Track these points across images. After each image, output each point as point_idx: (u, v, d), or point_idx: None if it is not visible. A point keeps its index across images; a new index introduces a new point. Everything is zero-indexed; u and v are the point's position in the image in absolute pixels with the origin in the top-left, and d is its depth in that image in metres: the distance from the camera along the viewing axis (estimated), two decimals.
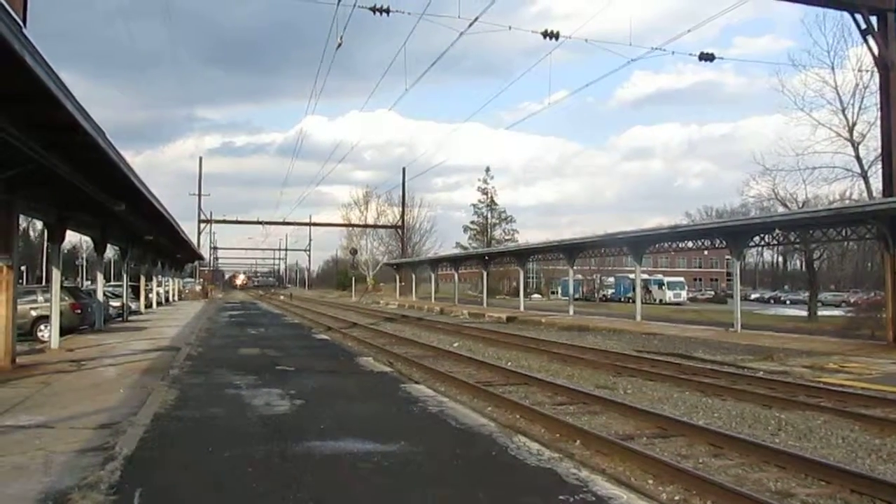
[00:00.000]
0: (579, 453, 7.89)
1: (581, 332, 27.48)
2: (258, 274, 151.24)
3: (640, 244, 32.18)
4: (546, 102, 73.67)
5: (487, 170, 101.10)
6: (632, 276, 44.08)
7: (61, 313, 17.46)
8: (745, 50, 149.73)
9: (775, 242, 28.04)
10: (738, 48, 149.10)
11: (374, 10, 17.39)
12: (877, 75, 22.67)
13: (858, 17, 21.39)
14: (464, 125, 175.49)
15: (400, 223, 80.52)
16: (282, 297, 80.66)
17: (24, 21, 12.20)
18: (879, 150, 24.34)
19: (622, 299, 66.63)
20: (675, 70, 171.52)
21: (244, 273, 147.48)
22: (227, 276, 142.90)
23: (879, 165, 25.69)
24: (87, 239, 37.21)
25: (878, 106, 22.72)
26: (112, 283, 42.35)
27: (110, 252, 53.89)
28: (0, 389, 10.68)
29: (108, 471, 5.98)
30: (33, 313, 19.91)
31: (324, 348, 19.05)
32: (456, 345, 21.54)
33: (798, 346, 19.47)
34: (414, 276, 69.22)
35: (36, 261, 74.80)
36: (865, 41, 21.81)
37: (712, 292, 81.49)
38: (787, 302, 64.43)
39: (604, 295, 71.99)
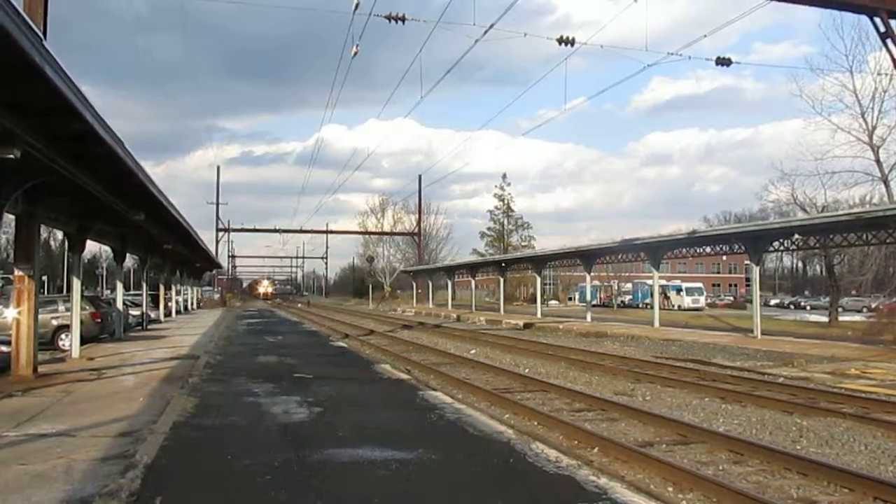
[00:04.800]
0: (598, 460, 7.84)
1: (598, 338, 27.35)
2: (275, 282, 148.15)
3: (657, 250, 32.00)
4: (563, 109, 73.53)
5: (504, 176, 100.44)
6: (649, 281, 43.76)
7: (82, 322, 17.60)
8: (764, 56, 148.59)
9: (795, 247, 27.73)
10: (757, 54, 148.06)
11: (389, 18, 17.45)
12: None
13: (877, 20, 21.17)
14: (481, 132, 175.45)
15: (416, 230, 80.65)
16: (299, 305, 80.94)
17: (45, 33, 12.37)
18: None
19: (640, 305, 66.23)
20: (694, 76, 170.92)
21: (268, 279, 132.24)
22: (245, 285, 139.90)
23: None
24: (107, 248, 37.63)
25: None
26: (131, 292, 42.74)
27: (130, 261, 54.46)
28: (22, 398, 10.80)
29: (128, 479, 6.03)
30: (54, 322, 20.09)
31: (341, 356, 19.10)
32: (473, 352, 21.50)
33: (819, 351, 19.26)
34: (430, 284, 69.19)
35: (57, 270, 75.60)
36: (885, 44, 21.52)
37: (731, 298, 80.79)
38: (808, 307, 63.72)
39: (621, 301, 71.58)
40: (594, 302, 52.10)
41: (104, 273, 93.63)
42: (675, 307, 62.69)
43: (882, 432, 9.39)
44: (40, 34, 7.00)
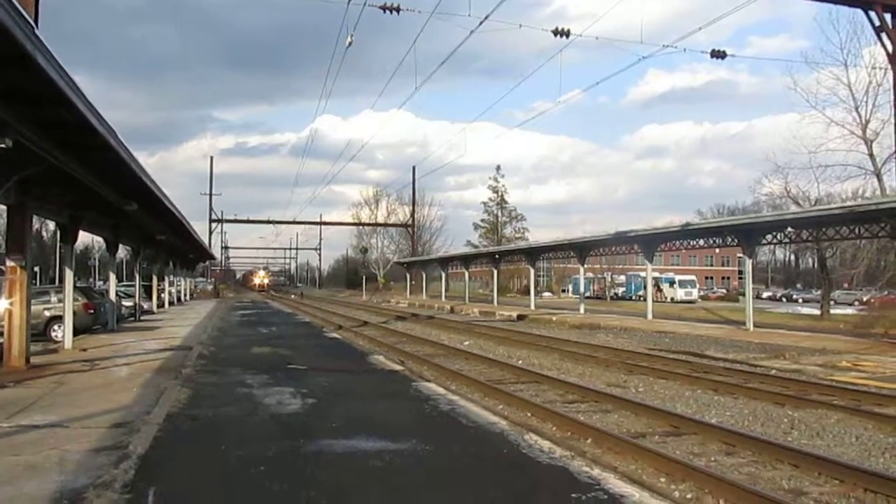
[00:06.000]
0: (591, 451, 7.87)
1: (592, 330, 27.43)
2: (272, 272, 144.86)
3: (651, 242, 32.07)
4: (558, 101, 73.18)
5: (498, 168, 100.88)
6: (643, 274, 43.95)
7: (74, 313, 17.53)
8: (760, 50, 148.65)
9: (787, 240, 27.83)
10: (753, 47, 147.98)
11: (384, 8, 17.41)
12: (890, 73, 22.48)
13: (872, 14, 21.23)
14: (476, 124, 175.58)
15: (410, 222, 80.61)
16: (292, 297, 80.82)
17: (36, 22, 12.27)
18: (893, 148, 24.20)
19: (633, 297, 66.40)
20: (690, 69, 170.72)
21: (264, 269, 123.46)
22: (239, 275, 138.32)
23: (893, 163, 25.58)
24: (100, 239, 37.47)
25: (892, 104, 22.54)
26: (124, 283, 42.58)
27: (122, 252, 54.17)
28: (14, 389, 10.77)
29: (122, 470, 6.02)
30: (47, 313, 20.02)
31: (335, 347, 19.10)
32: (467, 343, 21.53)
33: (810, 344, 19.35)
34: (424, 275, 69.27)
35: (49, 261, 75.32)
36: (879, 38, 21.63)
37: (724, 290, 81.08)
38: (800, 300, 64.03)
39: (615, 293, 71.74)
40: (587, 294, 52.22)
41: (97, 264, 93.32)
42: (668, 299, 62.93)
43: (873, 424, 9.44)
44: (32, 22, 6.95)
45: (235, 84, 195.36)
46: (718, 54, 22.22)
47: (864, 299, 46.72)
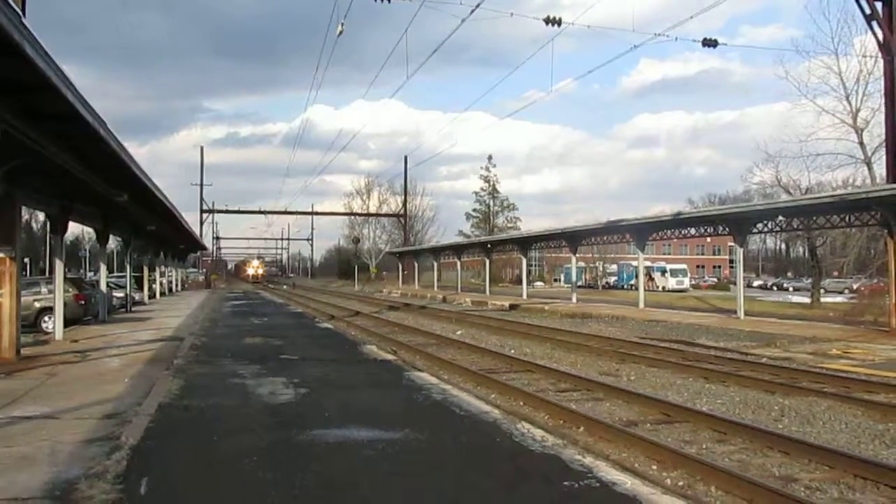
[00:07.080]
0: (583, 440, 7.90)
1: (584, 319, 27.48)
2: (266, 262, 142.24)
3: (642, 231, 32.12)
4: (550, 90, 72.97)
5: (490, 158, 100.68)
6: (634, 263, 44.06)
7: (65, 304, 17.46)
8: (751, 39, 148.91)
9: (778, 229, 27.94)
10: (745, 37, 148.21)
11: None
12: (881, 61, 22.51)
13: (863, 2, 21.24)
14: (468, 114, 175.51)
15: (402, 212, 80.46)
16: (284, 287, 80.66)
17: (23, 11, 12.15)
18: (883, 137, 24.21)
19: (625, 287, 66.57)
20: (682, 58, 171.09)
21: (258, 258, 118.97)
22: (231, 266, 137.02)
23: (883, 152, 25.52)
24: (90, 230, 37.22)
25: (883, 92, 22.57)
26: (115, 273, 42.42)
27: (113, 243, 53.99)
28: (6, 381, 10.73)
29: (114, 460, 6.01)
30: (37, 305, 19.93)
31: (327, 337, 19.09)
32: (459, 333, 21.55)
33: (801, 332, 19.45)
34: (416, 265, 69.19)
35: (39, 252, 74.96)
36: (870, 27, 21.66)
37: (715, 279, 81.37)
38: (790, 289, 64.33)
39: (606, 282, 71.96)
40: (579, 283, 52.31)
41: (87, 255, 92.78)
42: (660, 288, 63.09)
43: (862, 411, 9.50)
44: (18, 11, 6.88)
45: (227, 74, 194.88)
46: (710, 43, 22.26)
47: (854, 287, 46.87)
